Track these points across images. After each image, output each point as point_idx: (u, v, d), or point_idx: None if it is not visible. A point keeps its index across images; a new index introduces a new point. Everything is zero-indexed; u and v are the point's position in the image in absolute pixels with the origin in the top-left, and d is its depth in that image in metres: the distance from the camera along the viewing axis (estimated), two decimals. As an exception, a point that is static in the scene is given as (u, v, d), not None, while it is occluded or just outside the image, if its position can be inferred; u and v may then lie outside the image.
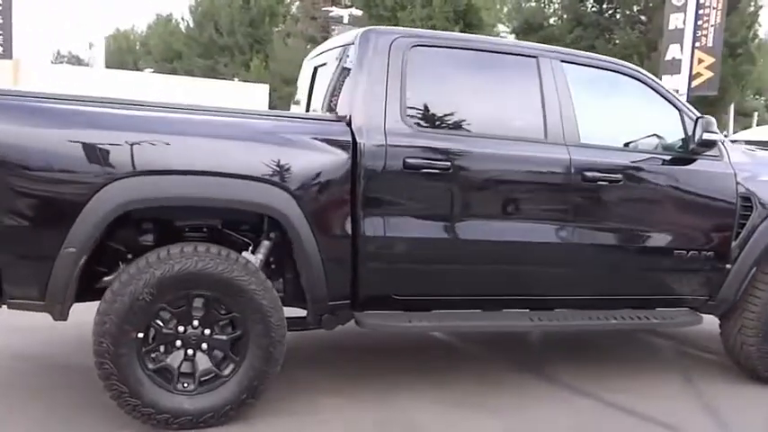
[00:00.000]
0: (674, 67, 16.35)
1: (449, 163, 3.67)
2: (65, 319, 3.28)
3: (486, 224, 3.80)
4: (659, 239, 4.15)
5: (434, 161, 3.64)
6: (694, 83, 16.06)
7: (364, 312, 3.73)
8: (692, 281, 4.29)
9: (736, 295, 4.31)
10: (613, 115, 4.33)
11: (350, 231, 3.55)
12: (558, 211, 3.93)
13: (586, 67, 4.18)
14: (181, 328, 3.33)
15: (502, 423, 3.68)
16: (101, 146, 3.16)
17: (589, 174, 3.92)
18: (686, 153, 4.22)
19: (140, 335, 3.24)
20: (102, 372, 3.18)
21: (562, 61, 4.05)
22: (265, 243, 3.64)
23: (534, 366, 4.61)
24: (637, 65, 4.73)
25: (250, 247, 3.77)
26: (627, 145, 4.24)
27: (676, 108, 4.29)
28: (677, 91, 19.36)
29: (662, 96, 4.29)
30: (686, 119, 4.25)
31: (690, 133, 4.20)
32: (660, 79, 19.89)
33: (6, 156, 3.05)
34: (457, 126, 3.85)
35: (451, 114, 3.85)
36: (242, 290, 3.31)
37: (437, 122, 3.79)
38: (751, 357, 4.41)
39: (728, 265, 4.28)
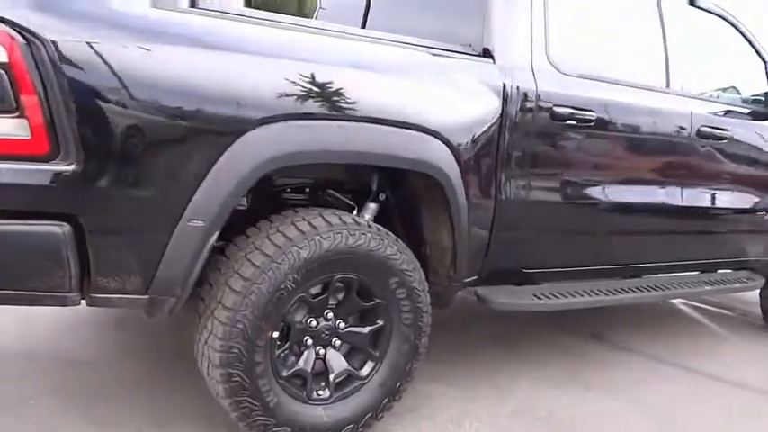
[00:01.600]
0: None
1: (594, 114, 3.13)
2: (166, 316, 2.39)
3: (623, 186, 3.35)
4: (749, 200, 3.97)
5: (582, 112, 3.08)
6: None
7: (489, 288, 3.15)
8: (760, 242, 4.17)
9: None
10: (710, 63, 3.99)
11: (493, 194, 2.93)
12: (681, 172, 3.57)
13: (689, 7, 3.78)
14: (313, 322, 2.57)
15: (628, 403, 3.32)
16: (236, 75, 2.25)
17: (705, 130, 3.58)
18: (772, 109, 4.01)
19: (275, 334, 2.45)
20: (229, 387, 2.37)
21: None
22: (372, 206, 2.91)
23: (598, 334, 4.31)
24: None
25: (354, 212, 2.99)
26: (722, 97, 3.95)
27: (763, 60, 4.06)
28: None
29: (752, 46, 4.03)
30: (772, 71, 4.05)
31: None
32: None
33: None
34: (599, 70, 3.28)
35: (592, 56, 3.29)
36: (393, 271, 2.61)
37: (580, 64, 3.20)
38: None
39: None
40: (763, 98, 4.05)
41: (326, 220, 2.48)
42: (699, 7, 3.80)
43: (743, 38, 3.99)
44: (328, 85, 2.41)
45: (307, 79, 2.36)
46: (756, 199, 3.99)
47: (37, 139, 2.00)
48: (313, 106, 2.36)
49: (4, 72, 1.94)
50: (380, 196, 2.93)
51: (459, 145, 2.72)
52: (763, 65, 4.05)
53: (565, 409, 3.18)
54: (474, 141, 2.79)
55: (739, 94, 4.11)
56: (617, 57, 3.42)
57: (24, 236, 2.04)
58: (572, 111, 3.04)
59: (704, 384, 3.69)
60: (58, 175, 2.02)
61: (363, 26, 3.71)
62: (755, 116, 3.97)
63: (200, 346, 2.42)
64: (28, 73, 1.96)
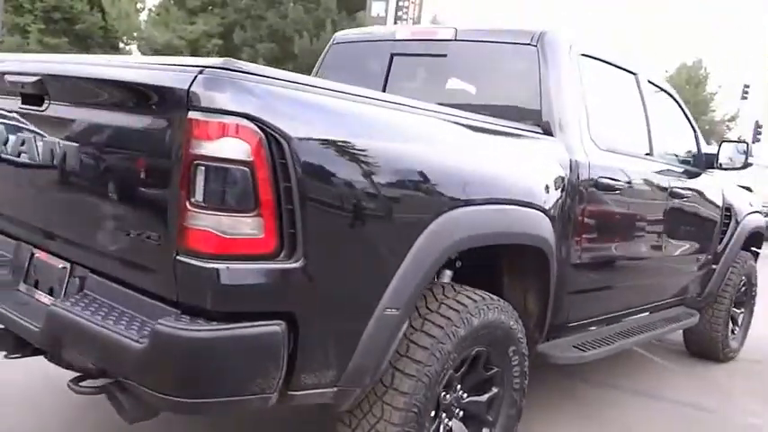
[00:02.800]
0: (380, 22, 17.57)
1: (621, 182, 3.54)
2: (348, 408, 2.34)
3: (639, 241, 3.85)
4: (692, 246, 4.63)
5: (615, 181, 3.48)
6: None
7: (549, 343, 3.40)
8: (696, 281, 4.87)
9: (717, 290, 5.03)
10: (665, 131, 4.60)
11: (569, 258, 3.21)
12: (662, 226, 4.11)
13: (653, 86, 4.37)
14: (447, 396, 2.64)
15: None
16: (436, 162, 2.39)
17: (675, 190, 4.16)
18: (701, 169, 4.73)
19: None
20: None
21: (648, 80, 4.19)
22: (448, 273, 3.04)
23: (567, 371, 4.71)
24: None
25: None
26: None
27: (692, 126, 4.79)
28: (384, 18, 20.94)
29: (686, 116, 4.74)
30: (699, 137, 4.79)
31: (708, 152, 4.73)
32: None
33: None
34: (621, 144, 3.71)
35: (611, 132, 3.69)
36: (512, 340, 2.78)
37: (607, 141, 3.58)
38: (716, 341, 5.20)
39: (715, 266, 4.97)
40: (691, 159, 4.75)
41: (472, 298, 2.58)
42: (655, 85, 4.40)
43: (679, 107, 4.67)
44: (486, 172, 2.56)
45: (475, 166, 2.49)
46: (697, 244, 4.67)
47: (268, 237, 1.93)
48: (480, 191, 2.49)
49: (248, 170, 1.86)
50: (456, 263, 3.06)
51: (553, 217, 2.96)
52: (693, 131, 4.77)
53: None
54: (560, 213, 3.04)
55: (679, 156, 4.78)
56: (623, 131, 3.89)
57: (251, 338, 1.94)
58: (609, 180, 3.41)
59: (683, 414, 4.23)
60: (282, 272, 1.96)
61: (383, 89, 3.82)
62: (690, 174, 4.65)
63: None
64: (267, 170, 1.89)
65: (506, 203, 2.68)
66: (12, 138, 2.47)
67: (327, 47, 4.22)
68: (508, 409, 2.85)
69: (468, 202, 2.44)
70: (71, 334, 2.09)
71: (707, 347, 5.28)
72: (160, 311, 1.98)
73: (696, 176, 4.63)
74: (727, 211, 5.03)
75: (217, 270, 1.87)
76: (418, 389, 2.36)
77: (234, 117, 1.86)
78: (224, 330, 1.88)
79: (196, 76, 1.87)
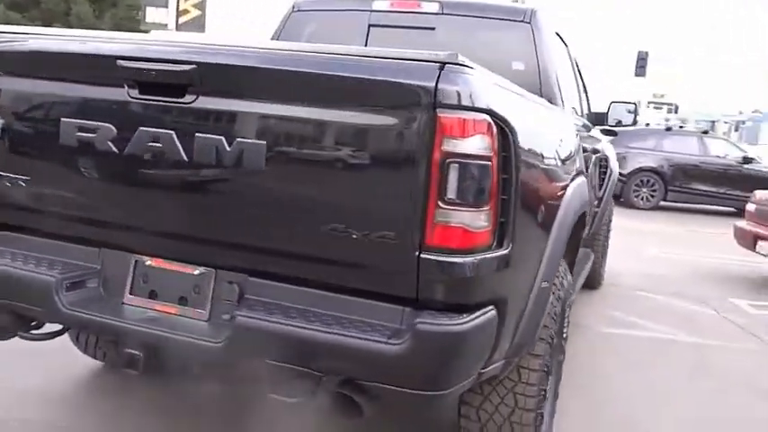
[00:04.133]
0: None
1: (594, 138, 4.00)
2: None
3: None
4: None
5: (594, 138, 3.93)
6: (182, 19, 16.44)
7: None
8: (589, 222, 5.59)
9: (599, 229, 5.82)
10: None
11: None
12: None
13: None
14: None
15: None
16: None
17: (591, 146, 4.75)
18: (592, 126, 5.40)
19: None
20: None
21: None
22: None
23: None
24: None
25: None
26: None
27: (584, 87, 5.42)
28: (166, 25, 19.37)
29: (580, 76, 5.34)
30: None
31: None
32: (145, 12, 19.31)
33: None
34: (577, 109, 4.15)
35: (575, 98, 4.09)
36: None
37: (575, 107, 3.99)
38: (598, 272, 6.06)
39: (597, 209, 5.74)
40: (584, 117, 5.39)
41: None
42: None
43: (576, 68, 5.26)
44: (574, 143, 2.80)
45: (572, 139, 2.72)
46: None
47: (492, 228, 2.00)
48: (576, 160, 2.76)
49: (489, 165, 1.91)
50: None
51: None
52: (585, 90, 5.39)
53: None
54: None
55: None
56: (575, 98, 4.30)
57: (485, 326, 2.01)
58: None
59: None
60: (500, 260, 2.04)
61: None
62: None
63: (498, 419, 2.54)
64: (498, 164, 1.95)
65: (581, 174, 2.94)
66: (130, 134, 2.13)
67: (286, 15, 4.05)
68: (558, 356, 3.16)
69: (579, 173, 2.67)
70: (288, 345, 1.96)
71: (592, 278, 6.07)
72: (382, 311, 1.97)
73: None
74: (605, 161, 5.77)
75: (465, 264, 1.91)
76: (542, 379, 2.56)
77: (478, 113, 1.87)
78: (471, 321, 1.93)
79: (440, 73, 1.85)
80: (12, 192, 2.32)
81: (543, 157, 2.31)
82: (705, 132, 15.70)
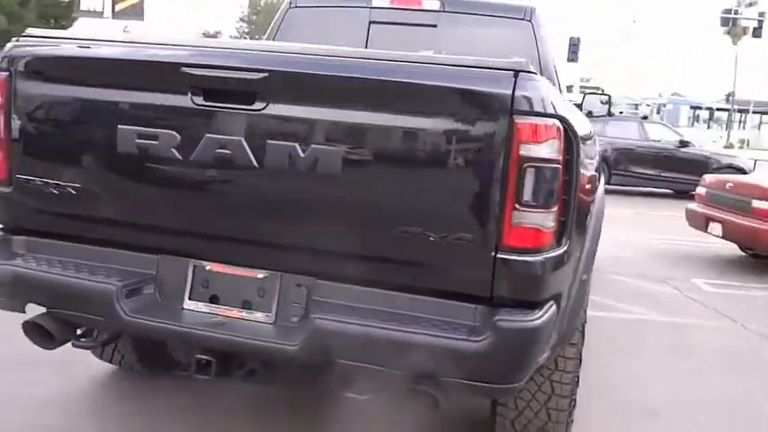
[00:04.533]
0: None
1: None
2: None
3: None
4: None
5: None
6: (118, 6, 15.98)
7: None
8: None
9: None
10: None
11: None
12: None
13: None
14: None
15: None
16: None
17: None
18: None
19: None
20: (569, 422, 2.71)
21: None
22: None
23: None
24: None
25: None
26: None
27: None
28: (101, 13, 18.61)
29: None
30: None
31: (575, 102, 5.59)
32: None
33: None
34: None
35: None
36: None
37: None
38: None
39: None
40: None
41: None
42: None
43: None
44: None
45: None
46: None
47: (556, 227, 2.10)
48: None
49: (559, 168, 2.01)
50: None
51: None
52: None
53: None
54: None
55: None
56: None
57: (551, 320, 2.11)
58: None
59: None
60: (561, 257, 2.15)
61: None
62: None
63: (534, 406, 2.65)
64: (564, 166, 2.05)
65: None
66: (195, 141, 2.12)
67: (282, 11, 4.05)
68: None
69: (598, 168, 2.81)
70: (368, 346, 2.02)
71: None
72: (454, 309, 2.05)
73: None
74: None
75: (536, 263, 2.01)
76: (576, 366, 2.70)
77: (549, 119, 1.97)
78: (543, 317, 2.04)
79: (515, 80, 1.93)
80: (61, 199, 2.29)
81: (589, 156, 2.43)
82: (645, 118, 16.28)
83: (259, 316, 2.21)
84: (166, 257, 2.30)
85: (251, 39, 37.28)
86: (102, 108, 2.26)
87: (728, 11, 28.64)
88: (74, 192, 2.28)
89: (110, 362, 3.35)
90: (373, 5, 3.91)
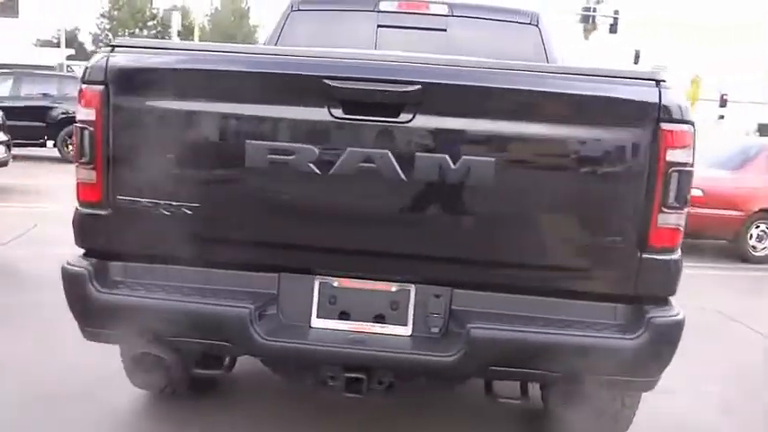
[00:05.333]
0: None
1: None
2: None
3: None
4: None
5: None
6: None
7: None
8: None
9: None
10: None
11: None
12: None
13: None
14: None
15: None
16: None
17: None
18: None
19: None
20: None
21: None
22: None
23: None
24: None
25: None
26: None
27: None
28: None
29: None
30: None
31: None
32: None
33: None
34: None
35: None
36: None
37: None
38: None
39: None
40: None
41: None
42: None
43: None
44: None
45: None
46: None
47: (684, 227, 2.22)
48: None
49: (692, 170, 2.13)
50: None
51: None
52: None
53: None
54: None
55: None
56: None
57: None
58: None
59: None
60: (681, 257, 2.24)
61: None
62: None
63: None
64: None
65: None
66: (335, 155, 2.06)
67: (285, 13, 3.95)
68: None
69: None
70: (525, 351, 2.06)
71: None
72: (596, 309, 2.15)
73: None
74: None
75: (676, 261, 2.14)
76: None
77: (686, 124, 2.08)
78: (680, 310, 2.17)
79: (660, 90, 2.03)
80: (172, 220, 2.15)
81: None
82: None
83: (395, 329, 2.19)
84: (288, 276, 2.22)
85: (114, 36, 35.31)
86: (227, 123, 2.15)
87: (587, 8, 30.49)
88: (189, 212, 2.15)
89: (149, 389, 3.14)
90: (380, 9, 3.90)
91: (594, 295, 2.15)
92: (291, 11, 3.93)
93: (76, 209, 2.27)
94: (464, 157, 2.04)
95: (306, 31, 3.87)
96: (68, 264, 2.23)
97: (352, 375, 2.13)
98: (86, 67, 2.20)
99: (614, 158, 2.07)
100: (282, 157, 2.09)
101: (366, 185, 2.10)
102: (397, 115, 2.04)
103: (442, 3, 3.89)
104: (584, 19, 30.41)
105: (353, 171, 2.07)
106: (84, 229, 2.27)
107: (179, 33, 31.15)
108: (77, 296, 2.20)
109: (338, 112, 2.05)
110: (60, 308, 2.28)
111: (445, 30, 3.86)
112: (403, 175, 2.06)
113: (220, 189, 2.19)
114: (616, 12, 30.03)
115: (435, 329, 2.17)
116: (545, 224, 2.11)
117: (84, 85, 2.19)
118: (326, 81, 2.03)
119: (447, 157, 2.04)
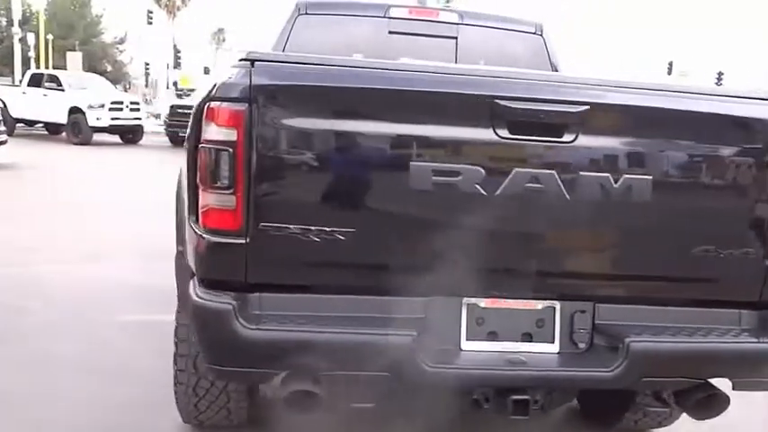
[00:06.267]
0: None
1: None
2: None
3: None
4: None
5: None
6: None
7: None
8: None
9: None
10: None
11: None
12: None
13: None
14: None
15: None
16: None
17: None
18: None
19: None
20: None
21: None
22: None
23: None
24: None
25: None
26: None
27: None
28: None
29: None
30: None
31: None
32: None
33: None
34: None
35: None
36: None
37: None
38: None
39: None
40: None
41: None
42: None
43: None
44: None
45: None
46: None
47: None
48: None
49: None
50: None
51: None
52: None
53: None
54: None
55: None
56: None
57: None
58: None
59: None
60: None
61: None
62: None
63: None
64: None
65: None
66: (501, 176, 2.03)
67: (292, 17, 3.80)
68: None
69: None
70: (682, 361, 2.16)
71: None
72: (721, 316, 2.29)
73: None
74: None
75: None
76: None
77: None
78: None
79: None
80: (328, 248, 2.03)
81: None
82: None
83: (543, 347, 2.21)
84: (435, 299, 2.16)
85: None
86: (389, 143, 2.05)
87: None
88: (342, 237, 2.03)
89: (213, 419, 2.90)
90: (391, 15, 3.87)
91: (724, 303, 2.29)
92: (299, 14, 3.79)
93: (200, 237, 2.08)
94: (624, 175, 2.09)
95: (315, 35, 3.77)
96: (203, 299, 2.04)
97: (519, 397, 2.12)
98: (221, 83, 2.02)
99: (751, 174, 2.20)
100: (448, 178, 2.03)
101: (528, 205, 2.09)
102: (561, 135, 2.05)
103: (451, 11, 3.91)
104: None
105: (519, 191, 2.05)
106: (215, 259, 2.08)
107: (20, 23, 28.76)
108: (220, 334, 2.02)
109: (504, 133, 2.03)
110: None
111: (456, 37, 3.90)
112: (566, 195, 2.07)
113: (379, 212, 2.08)
114: None
115: (582, 345, 2.21)
116: (687, 238, 2.21)
117: (217, 103, 2.00)
118: (498, 101, 2.00)
119: (607, 175, 2.08)
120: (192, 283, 2.14)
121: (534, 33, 4.01)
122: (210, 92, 2.04)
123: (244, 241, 2.03)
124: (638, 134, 2.13)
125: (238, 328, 2.00)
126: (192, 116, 2.18)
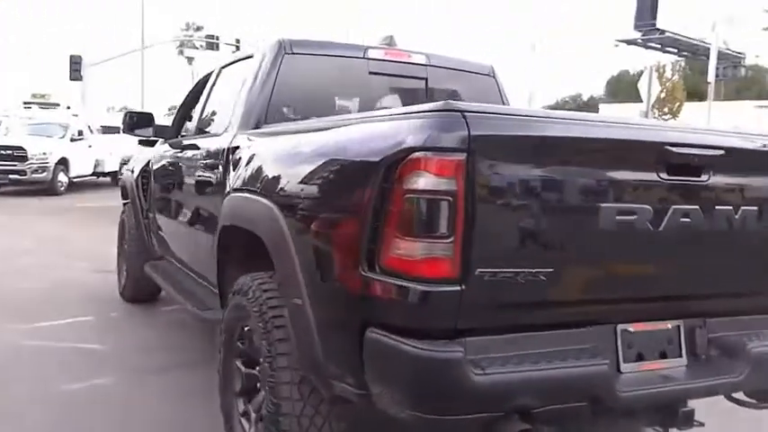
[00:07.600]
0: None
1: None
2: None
3: None
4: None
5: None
6: None
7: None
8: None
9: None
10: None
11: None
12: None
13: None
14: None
15: None
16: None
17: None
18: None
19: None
20: None
21: None
22: None
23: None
24: None
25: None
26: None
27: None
28: None
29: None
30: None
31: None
32: None
33: None
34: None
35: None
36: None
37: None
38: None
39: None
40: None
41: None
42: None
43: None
44: None
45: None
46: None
47: None
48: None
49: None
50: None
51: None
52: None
53: None
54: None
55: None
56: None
57: None
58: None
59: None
60: None
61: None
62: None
63: None
64: None
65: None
66: (663, 213, 2.29)
67: (276, 56, 3.69)
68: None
69: None
70: None
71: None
72: None
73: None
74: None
75: None
76: None
77: None
78: None
79: None
80: (531, 288, 2.14)
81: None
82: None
83: (676, 362, 2.49)
84: (597, 327, 2.35)
85: None
86: (584, 188, 2.21)
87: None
88: (544, 277, 2.14)
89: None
90: (369, 56, 3.94)
91: None
92: (285, 53, 3.71)
93: (410, 288, 2.04)
94: (742, 207, 2.46)
95: (303, 75, 3.75)
96: (424, 348, 2.00)
97: (687, 409, 2.37)
98: (434, 132, 2.02)
99: None
100: (628, 217, 2.25)
101: (680, 238, 2.38)
102: (699, 175, 2.38)
103: (419, 53, 4.10)
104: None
105: (676, 226, 2.33)
106: (424, 307, 2.05)
107: None
108: (448, 383, 2.00)
109: (663, 175, 2.30)
110: None
111: (426, 78, 4.10)
112: (704, 226, 2.39)
113: (575, 251, 2.23)
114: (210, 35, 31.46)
115: (703, 356, 2.53)
116: None
117: (432, 153, 2.01)
118: (668, 148, 2.28)
119: (731, 208, 2.45)
120: (373, 335, 2.10)
121: (488, 75, 4.36)
122: (403, 142, 2.07)
123: (458, 288, 2.04)
124: (757, 173, 2.54)
125: (469, 375, 2.00)
126: (355, 169, 2.28)
